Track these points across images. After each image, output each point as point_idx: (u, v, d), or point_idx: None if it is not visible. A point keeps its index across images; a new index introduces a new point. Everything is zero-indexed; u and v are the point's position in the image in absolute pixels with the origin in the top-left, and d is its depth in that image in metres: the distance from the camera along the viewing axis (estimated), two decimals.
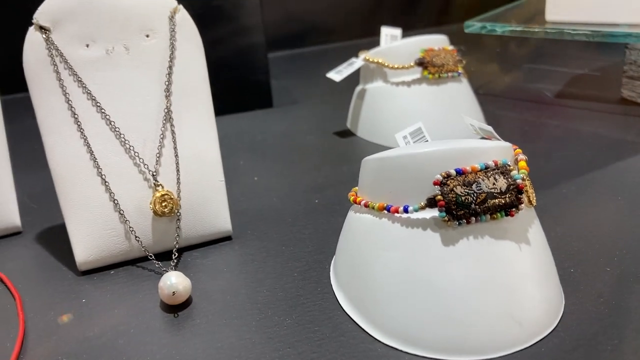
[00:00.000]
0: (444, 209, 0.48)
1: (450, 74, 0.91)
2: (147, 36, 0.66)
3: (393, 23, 1.13)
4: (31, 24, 0.63)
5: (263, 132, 1.01)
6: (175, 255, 0.62)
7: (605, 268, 0.58)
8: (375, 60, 0.92)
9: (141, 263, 0.64)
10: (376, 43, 1.03)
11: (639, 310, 0.51)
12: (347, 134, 0.98)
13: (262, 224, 0.71)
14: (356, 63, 0.94)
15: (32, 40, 0.63)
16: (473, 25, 1.06)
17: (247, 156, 0.91)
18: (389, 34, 1.04)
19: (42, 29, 0.63)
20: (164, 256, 0.63)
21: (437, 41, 0.93)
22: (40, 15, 0.63)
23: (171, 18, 0.67)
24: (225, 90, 1.08)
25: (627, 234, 0.63)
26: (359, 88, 0.98)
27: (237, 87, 1.09)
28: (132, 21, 0.65)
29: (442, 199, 0.48)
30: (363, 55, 0.94)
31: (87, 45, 0.64)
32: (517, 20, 1.07)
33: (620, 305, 0.52)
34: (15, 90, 1.07)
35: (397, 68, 0.90)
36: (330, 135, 0.98)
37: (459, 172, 0.49)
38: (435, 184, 0.49)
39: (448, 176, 0.49)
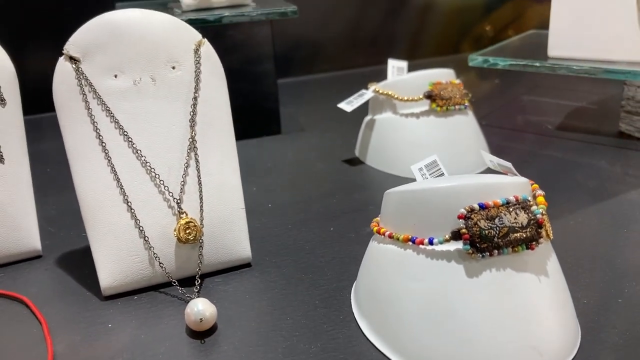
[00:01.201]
0: (468, 242, 0.50)
1: (457, 107, 0.94)
2: (173, 68, 0.68)
3: (401, 52, 1.17)
4: (61, 53, 0.65)
5: (273, 159, 1.04)
6: (198, 281, 0.64)
7: (617, 300, 0.60)
8: (385, 92, 0.94)
9: (164, 289, 0.65)
10: (383, 71, 1.06)
11: None
12: (356, 162, 1.01)
13: (280, 251, 0.73)
14: (366, 94, 0.97)
15: (62, 70, 0.65)
16: (476, 59, 1.10)
17: (259, 183, 0.93)
18: (395, 66, 1.07)
19: (72, 59, 0.65)
20: (186, 282, 0.65)
21: (444, 75, 0.96)
22: (71, 47, 0.65)
23: (196, 51, 0.69)
24: (235, 116, 1.10)
25: (636, 266, 0.66)
26: (367, 118, 1.00)
27: (247, 114, 1.11)
28: (159, 53, 0.67)
29: (466, 232, 0.50)
30: (373, 87, 0.97)
31: (115, 76, 0.66)
32: (519, 54, 1.10)
33: (634, 335, 0.54)
34: (32, 112, 1.09)
35: (407, 100, 0.93)
36: (339, 163, 1.00)
37: (482, 207, 0.51)
38: (459, 217, 0.51)
39: (472, 210, 0.51)
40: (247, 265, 0.70)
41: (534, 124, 1.16)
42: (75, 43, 0.65)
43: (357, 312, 0.60)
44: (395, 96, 0.94)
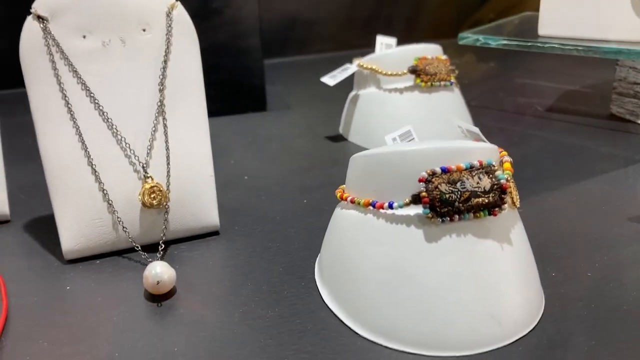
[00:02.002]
0: (428, 205, 0.49)
1: (442, 83, 0.92)
2: (144, 30, 0.66)
3: (393, 33, 1.15)
4: (29, 14, 0.64)
5: (255, 134, 1.02)
6: (161, 246, 0.63)
7: (586, 273, 0.58)
8: (369, 67, 0.93)
9: (128, 254, 0.64)
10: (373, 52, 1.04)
11: (617, 314, 0.52)
12: (339, 138, 0.99)
13: (249, 221, 0.71)
14: (350, 69, 0.95)
15: (30, 29, 0.64)
16: (467, 38, 1.08)
17: (238, 156, 0.92)
18: (383, 43, 1.05)
19: (40, 18, 0.64)
20: (151, 248, 0.64)
21: (431, 50, 0.94)
22: (39, 5, 0.64)
23: (168, 14, 0.68)
24: (221, 92, 1.09)
25: (610, 242, 0.64)
26: (352, 94, 0.99)
27: (232, 90, 1.10)
28: (130, 15, 0.66)
29: (426, 195, 0.49)
30: (357, 61, 0.95)
31: (84, 37, 0.65)
32: (511, 34, 1.08)
33: (598, 308, 0.53)
34: (12, 86, 1.08)
35: (390, 75, 0.91)
36: (321, 139, 0.99)
37: (444, 171, 0.50)
38: (420, 181, 0.49)
39: (433, 174, 0.49)
40: (216, 233, 0.68)
41: (524, 105, 1.14)
42: (43, 2, 0.64)
43: (318, 280, 0.58)
44: (379, 70, 0.92)
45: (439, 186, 0.49)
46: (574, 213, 0.71)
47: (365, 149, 0.93)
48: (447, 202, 0.49)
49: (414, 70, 0.91)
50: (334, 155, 0.93)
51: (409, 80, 0.92)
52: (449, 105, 0.93)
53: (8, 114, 0.80)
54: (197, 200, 0.67)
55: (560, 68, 1.34)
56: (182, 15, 0.69)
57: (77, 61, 0.64)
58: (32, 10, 0.64)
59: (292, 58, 1.52)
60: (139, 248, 0.62)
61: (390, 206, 0.51)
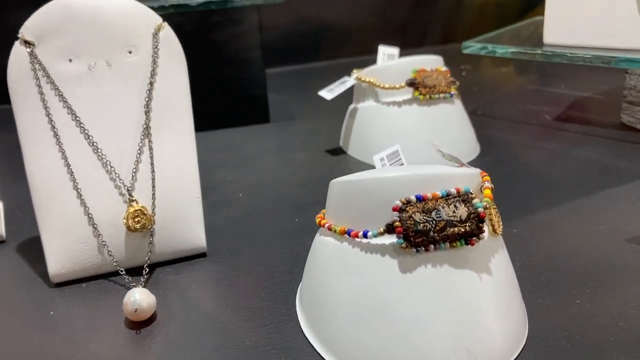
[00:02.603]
0: (401, 235, 0.48)
1: (442, 95, 0.90)
2: (130, 52, 0.67)
3: (398, 40, 1.13)
4: (17, 38, 0.64)
5: (255, 147, 1.02)
6: (146, 270, 0.63)
7: (575, 300, 0.56)
8: (367, 80, 0.91)
9: (114, 277, 0.64)
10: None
11: (602, 347, 0.50)
12: (338, 151, 0.98)
13: (238, 241, 0.71)
14: (348, 82, 0.94)
15: (17, 54, 0.64)
16: (471, 46, 1.05)
17: (236, 171, 0.92)
18: (386, 53, 1.04)
19: (27, 43, 0.64)
20: (137, 271, 0.64)
21: (430, 62, 0.92)
22: (26, 30, 0.64)
23: (155, 35, 0.67)
24: (223, 104, 1.09)
25: (604, 265, 0.62)
26: (351, 107, 0.98)
27: (234, 102, 1.10)
28: (116, 37, 0.66)
29: (400, 225, 0.48)
30: (356, 74, 0.94)
31: (70, 60, 0.65)
32: (518, 42, 1.06)
33: (583, 341, 0.51)
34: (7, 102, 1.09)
35: (388, 88, 0.90)
36: (321, 153, 0.98)
37: (419, 199, 0.48)
38: (394, 210, 0.48)
39: (408, 202, 0.48)
40: (203, 255, 0.68)
41: (532, 114, 1.11)
42: (30, 27, 0.64)
43: (298, 307, 0.57)
44: (377, 84, 0.91)
45: (413, 215, 0.48)
46: (570, 232, 0.69)
47: (363, 163, 0.93)
48: (421, 232, 0.48)
49: (412, 83, 0.89)
50: (331, 170, 0.92)
51: (408, 93, 0.90)
52: (449, 117, 0.92)
53: (6, 130, 0.80)
54: (183, 223, 0.67)
55: (573, 74, 1.31)
56: (169, 35, 0.68)
57: (63, 85, 0.65)
58: (19, 36, 0.64)
59: (294, 67, 1.52)
60: (123, 272, 0.62)
61: (365, 235, 0.50)
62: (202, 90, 1.04)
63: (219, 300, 0.60)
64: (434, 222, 0.48)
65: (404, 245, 0.48)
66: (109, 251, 0.63)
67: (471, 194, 0.49)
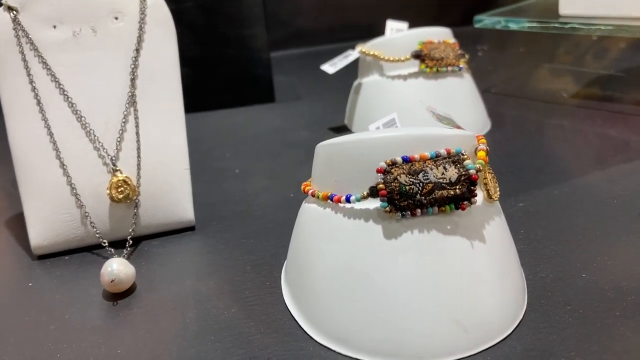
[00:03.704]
0: (386, 198, 0.44)
1: (450, 68, 0.86)
2: (116, 18, 0.64)
3: (413, 21, 1.10)
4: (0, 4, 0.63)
5: (257, 126, 0.99)
6: (129, 242, 0.60)
7: (581, 274, 0.52)
8: (371, 53, 0.88)
9: (97, 250, 0.62)
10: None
11: (605, 321, 0.46)
12: (342, 129, 0.95)
13: (230, 216, 0.68)
14: (351, 55, 0.90)
15: (0, 20, 0.63)
16: (483, 20, 1.01)
17: (234, 149, 0.89)
18: (394, 28, 0.99)
19: (10, 9, 0.62)
20: (122, 244, 0.61)
21: (438, 34, 0.88)
22: None
23: (142, 1, 0.65)
24: (226, 84, 1.07)
25: (613, 240, 0.57)
26: (356, 82, 0.94)
27: (238, 81, 1.07)
28: (102, 3, 0.63)
29: (384, 187, 0.44)
30: (359, 47, 0.90)
31: (54, 27, 0.63)
32: (532, 15, 1.01)
33: (586, 314, 0.47)
34: None
35: (393, 61, 0.86)
36: (324, 131, 0.95)
37: (406, 160, 0.45)
38: (378, 171, 0.45)
39: (393, 164, 0.45)
40: (192, 228, 0.66)
41: (548, 92, 1.06)
42: None
43: (283, 279, 0.54)
44: (382, 56, 0.87)
45: (398, 177, 0.44)
46: (580, 207, 0.65)
47: None
48: (406, 195, 0.44)
49: (417, 55, 0.85)
50: None
51: (414, 67, 0.86)
52: (457, 92, 0.87)
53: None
54: (170, 195, 0.64)
55: (590, 51, 1.25)
56: (157, 2, 0.66)
57: (47, 52, 0.63)
58: (2, 1, 0.62)
59: (303, 49, 1.48)
60: (106, 244, 0.60)
61: (348, 200, 0.46)
62: (205, 68, 1.02)
63: (202, 274, 0.57)
64: (420, 184, 0.44)
65: (388, 209, 0.44)
66: (91, 222, 0.61)
67: (463, 155, 0.46)
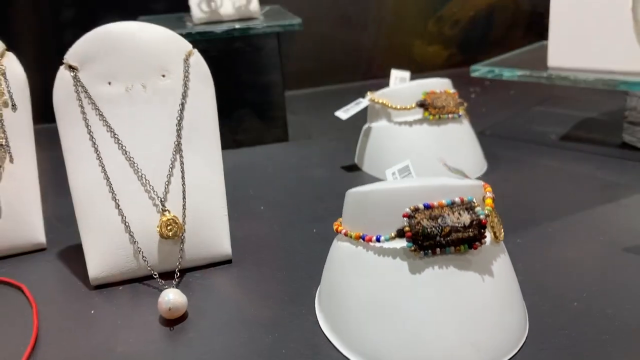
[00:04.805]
0: (411, 239, 0.53)
1: (450, 116, 0.96)
2: (163, 76, 0.73)
3: (408, 64, 1.20)
4: (61, 63, 0.71)
5: (275, 164, 1.08)
6: (177, 274, 0.69)
7: (573, 303, 0.61)
8: (380, 101, 0.97)
9: (147, 281, 0.70)
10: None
11: (598, 343, 0.54)
12: (353, 168, 1.04)
13: (261, 250, 0.77)
14: (362, 103, 1.00)
15: (62, 77, 0.71)
16: (479, 70, 1.11)
17: (257, 186, 0.98)
18: (398, 76, 1.10)
19: (71, 67, 0.71)
20: (169, 275, 0.69)
21: (439, 84, 0.98)
22: (70, 56, 0.71)
23: (186, 60, 0.74)
24: (245, 124, 1.16)
25: (601, 272, 0.67)
26: (365, 126, 1.03)
27: (255, 122, 1.16)
28: (151, 62, 0.72)
29: (409, 230, 0.53)
30: (369, 95, 1.00)
31: (109, 83, 0.72)
32: (524, 65, 1.11)
33: (580, 338, 0.55)
34: (48, 120, 1.18)
35: (400, 109, 0.96)
36: (338, 170, 1.04)
37: (427, 207, 0.54)
38: (404, 216, 0.53)
39: (416, 210, 0.54)
40: (228, 262, 0.74)
41: (539, 134, 1.16)
42: (74, 53, 0.71)
43: (317, 307, 0.63)
44: (390, 105, 0.97)
45: (421, 221, 0.53)
46: (571, 243, 0.74)
47: (378, 179, 0.98)
48: (428, 236, 0.53)
49: (422, 104, 0.95)
50: (347, 185, 0.95)
51: (418, 114, 0.96)
52: (458, 136, 0.97)
53: (46, 148, 0.88)
54: (211, 232, 0.73)
55: (576, 95, 1.36)
56: (198, 60, 0.75)
57: (103, 105, 0.71)
58: (64, 61, 0.71)
59: (313, 89, 1.58)
60: (157, 276, 0.68)
61: (378, 239, 0.55)
62: (227, 112, 1.12)
63: (244, 301, 0.65)
64: (439, 227, 0.53)
65: (413, 248, 0.53)
66: (143, 257, 0.69)
67: (474, 202, 0.55)
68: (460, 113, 0.97)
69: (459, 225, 0.53)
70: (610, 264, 0.68)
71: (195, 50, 0.75)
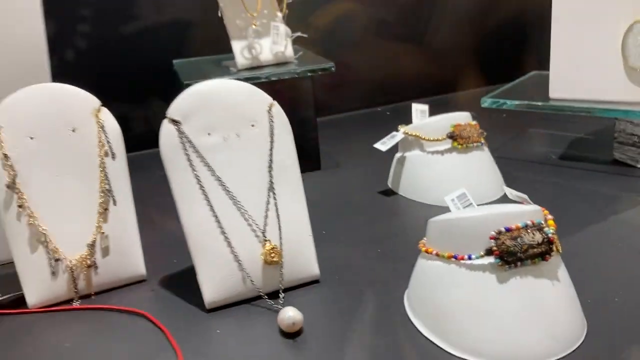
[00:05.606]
0: (498, 257, 0.67)
1: (474, 144, 1.11)
2: (253, 126, 0.85)
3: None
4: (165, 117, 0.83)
5: (314, 192, 1.19)
6: (282, 294, 0.81)
7: (614, 299, 0.77)
8: (414, 134, 1.12)
9: (254, 302, 0.82)
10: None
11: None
12: (390, 192, 1.18)
13: (339, 270, 0.89)
14: (397, 136, 1.15)
15: (167, 130, 0.82)
16: (487, 101, 1.28)
17: (311, 214, 1.10)
18: (418, 109, 1.24)
19: (174, 121, 0.83)
20: (271, 296, 0.81)
21: (463, 117, 1.14)
22: (172, 112, 0.82)
23: (269, 111, 0.87)
24: None
25: (625, 271, 0.83)
26: (398, 155, 1.18)
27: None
28: (242, 115, 0.85)
29: (496, 249, 0.67)
30: (402, 129, 1.14)
31: (209, 134, 0.83)
32: (526, 96, 1.28)
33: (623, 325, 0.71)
34: (142, 147, 1.33)
35: (433, 140, 1.11)
36: (375, 194, 1.17)
37: (507, 230, 0.68)
38: (491, 238, 0.68)
39: (500, 232, 0.68)
40: (316, 281, 0.86)
41: (541, 154, 1.33)
42: (175, 108, 0.83)
43: (411, 315, 0.76)
44: (422, 137, 1.12)
45: (505, 242, 0.68)
46: (593, 249, 0.90)
47: (416, 201, 1.13)
48: (512, 254, 0.67)
49: (451, 136, 1.10)
50: (390, 207, 1.11)
51: (447, 144, 1.11)
52: (481, 162, 1.13)
53: (139, 177, 0.97)
54: (302, 256, 0.85)
55: (564, 117, 1.54)
56: (278, 111, 0.88)
57: (205, 153, 0.83)
58: (167, 115, 0.83)
59: (327, 117, 1.72)
60: (266, 296, 0.80)
61: (469, 258, 0.69)
62: None
63: (344, 314, 0.78)
64: (520, 246, 0.68)
65: (500, 264, 0.68)
66: (251, 280, 0.81)
67: (542, 224, 0.70)
68: (482, 142, 1.13)
69: (534, 243, 0.68)
70: (629, 269, 0.84)
71: (275, 102, 0.88)
